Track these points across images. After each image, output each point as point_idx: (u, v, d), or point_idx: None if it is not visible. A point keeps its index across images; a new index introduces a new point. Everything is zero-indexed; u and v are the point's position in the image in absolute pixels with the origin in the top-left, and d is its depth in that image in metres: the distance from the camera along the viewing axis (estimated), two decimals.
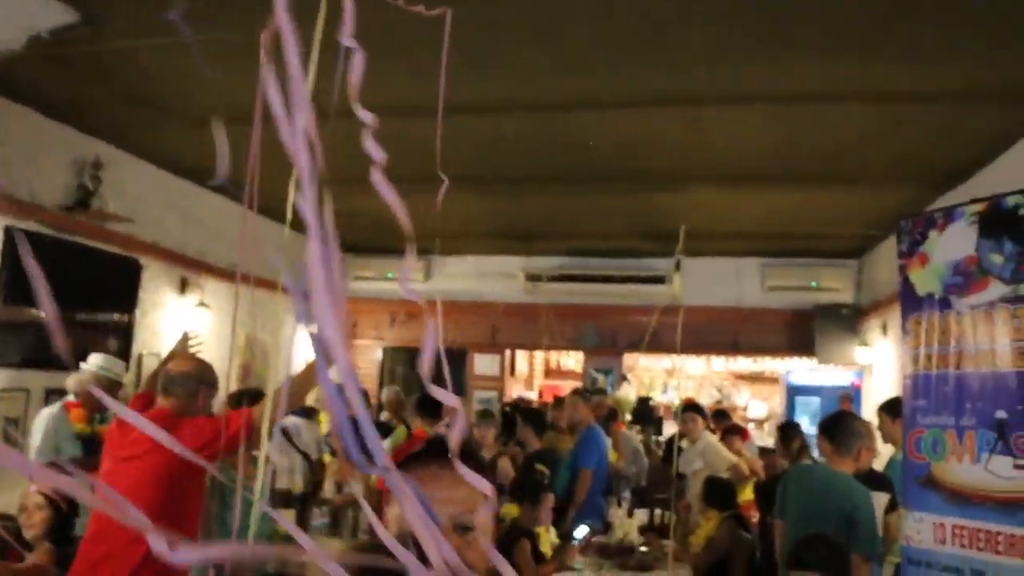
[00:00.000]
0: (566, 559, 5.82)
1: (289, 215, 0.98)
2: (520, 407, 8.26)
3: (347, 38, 0.87)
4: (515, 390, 12.64)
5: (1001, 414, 3.99)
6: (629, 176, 7.38)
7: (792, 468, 5.88)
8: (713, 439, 7.95)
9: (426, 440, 7.02)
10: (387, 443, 7.55)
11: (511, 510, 6.07)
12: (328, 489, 6.99)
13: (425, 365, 0.79)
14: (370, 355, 12.48)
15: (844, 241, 10.14)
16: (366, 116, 0.87)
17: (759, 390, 14.49)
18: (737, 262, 11.36)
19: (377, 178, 0.84)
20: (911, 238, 4.46)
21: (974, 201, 4.24)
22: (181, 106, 6.20)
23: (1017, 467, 3.89)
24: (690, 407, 8.28)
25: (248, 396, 5.37)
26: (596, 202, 8.59)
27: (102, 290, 7.51)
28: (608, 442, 8.63)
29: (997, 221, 4.07)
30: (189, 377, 4.00)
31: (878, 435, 5.60)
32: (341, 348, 0.70)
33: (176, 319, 8.50)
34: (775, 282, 11.14)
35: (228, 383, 9.61)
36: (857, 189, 7.49)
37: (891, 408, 5.60)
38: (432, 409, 7.38)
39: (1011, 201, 4.05)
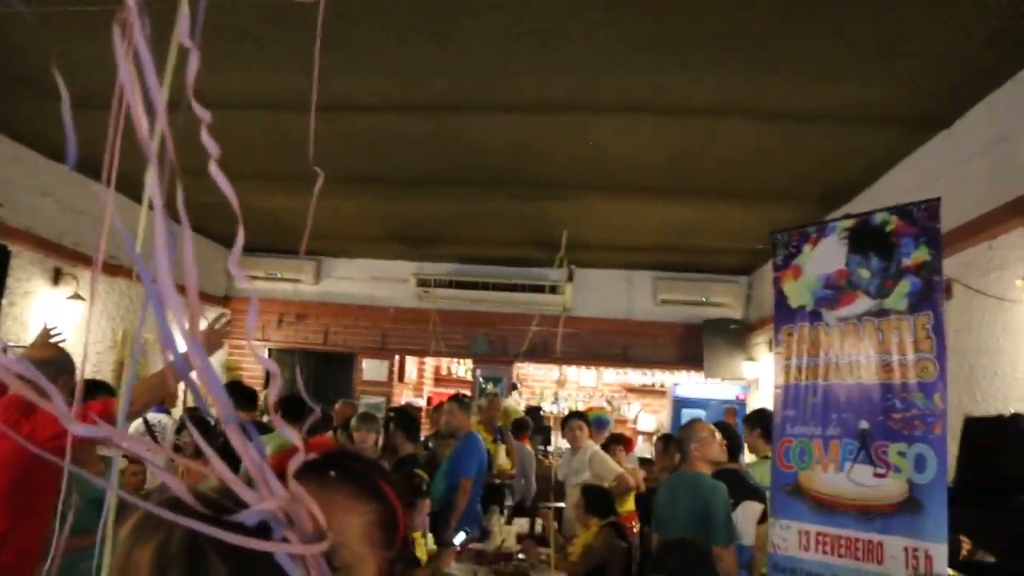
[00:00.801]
0: (441, 564, 5.77)
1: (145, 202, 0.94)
2: (395, 411, 8.12)
3: (186, 36, 0.83)
4: (404, 396, 12.51)
5: (864, 424, 4.09)
6: (520, 182, 7.37)
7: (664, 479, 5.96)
8: (598, 449, 7.97)
9: (322, 451, 6.87)
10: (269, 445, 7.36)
11: None
12: None
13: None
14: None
15: (735, 257, 10.30)
16: (203, 112, 0.83)
17: (650, 403, 14.65)
18: (630, 275, 11.47)
19: (215, 170, 0.82)
20: (786, 251, 4.55)
21: (846, 217, 4.35)
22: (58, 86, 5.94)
23: (876, 475, 3.99)
24: (575, 415, 8.29)
25: (102, 389, 5.18)
26: (487, 208, 8.56)
27: None
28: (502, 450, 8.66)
29: (866, 237, 4.18)
30: (46, 364, 3.87)
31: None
32: (193, 341, 0.72)
33: (47, 311, 8.17)
34: (667, 295, 11.24)
35: (109, 379, 9.33)
36: (748, 205, 7.61)
37: (751, 420, 5.81)
38: (295, 411, 7.27)
39: (879, 218, 4.16)
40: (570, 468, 7.89)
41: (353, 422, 7.41)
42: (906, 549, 3.84)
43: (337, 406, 9.03)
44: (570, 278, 11.36)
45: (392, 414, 7.84)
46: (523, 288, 10.96)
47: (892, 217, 4.08)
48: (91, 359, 9.17)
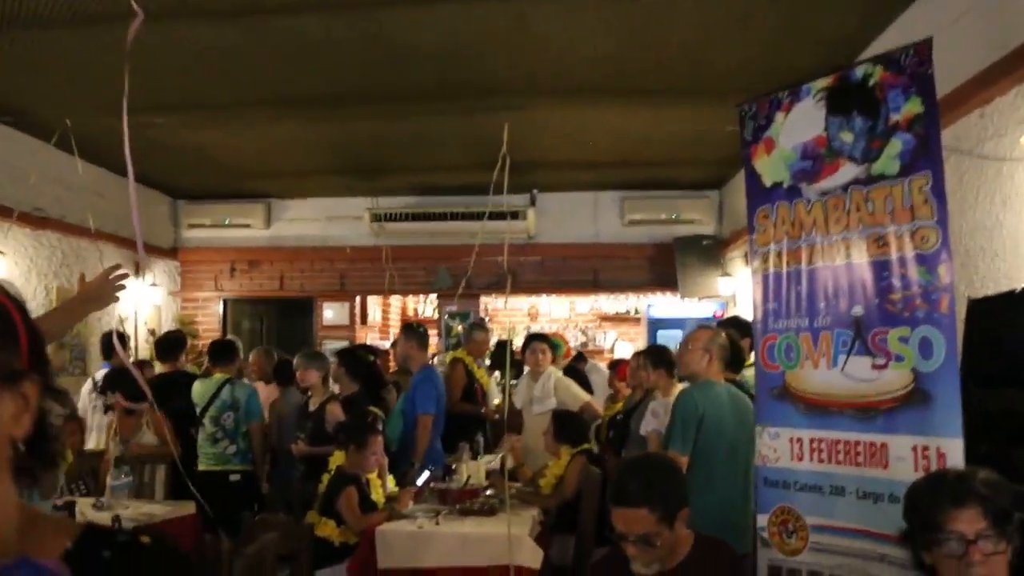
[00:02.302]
0: (397, 506, 5.26)
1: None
2: (338, 351, 7.59)
3: None
4: (369, 340, 11.93)
5: (858, 310, 3.57)
6: (456, 90, 6.74)
7: None
8: (561, 374, 7.46)
9: None
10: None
11: (338, 457, 5.48)
12: (112, 448, 6.23)
13: None
14: (211, 308, 11.61)
15: (703, 169, 9.81)
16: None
17: (626, 331, 14.16)
18: (595, 196, 10.96)
19: None
20: (755, 123, 3.99)
21: (821, 77, 3.77)
22: None
23: (876, 367, 3.47)
24: (537, 337, 7.76)
25: None
26: (430, 126, 7.94)
27: None
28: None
29: (846, 95, 3.62)
30: None
31: None
32: None
33: None
34: (634, 215, 10.78)
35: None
36: (713, 102, 6.98)
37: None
38: (225, 355, 7.17)
39: (860, 71, 3.60)
40: (530, 394, 7.38)
41: (297, 359, 6.99)
42: (914, 448, 3.33)
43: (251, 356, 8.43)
44: (532, 203, 10.81)
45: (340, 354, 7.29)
46: (483, 216, 10.34)
47: (876, 68, 3.51)
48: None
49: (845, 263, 3.61)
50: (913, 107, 3.38)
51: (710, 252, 10.45)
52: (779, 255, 3.87)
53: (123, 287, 3.35)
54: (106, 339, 8.49)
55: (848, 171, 3.59)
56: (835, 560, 3.67)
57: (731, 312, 10.01)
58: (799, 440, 3.81)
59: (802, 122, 3.76)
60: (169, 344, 7.74)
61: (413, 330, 7.24)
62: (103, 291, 3.31)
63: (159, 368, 7.64)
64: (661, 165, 9.61)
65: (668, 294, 11.28)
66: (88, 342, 9.60)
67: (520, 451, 6.83)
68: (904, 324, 3.39)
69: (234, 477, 6.84)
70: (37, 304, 8.77)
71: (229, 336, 9.34)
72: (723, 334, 4.84)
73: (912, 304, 3.35)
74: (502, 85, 6.68)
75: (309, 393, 6.85)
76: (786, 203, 3.84)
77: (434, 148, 8.86)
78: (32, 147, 8.05)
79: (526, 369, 7.70)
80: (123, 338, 8.58)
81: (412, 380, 6.92)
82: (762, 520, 4.01)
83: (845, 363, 3.61)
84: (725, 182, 10.36)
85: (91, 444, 7.09)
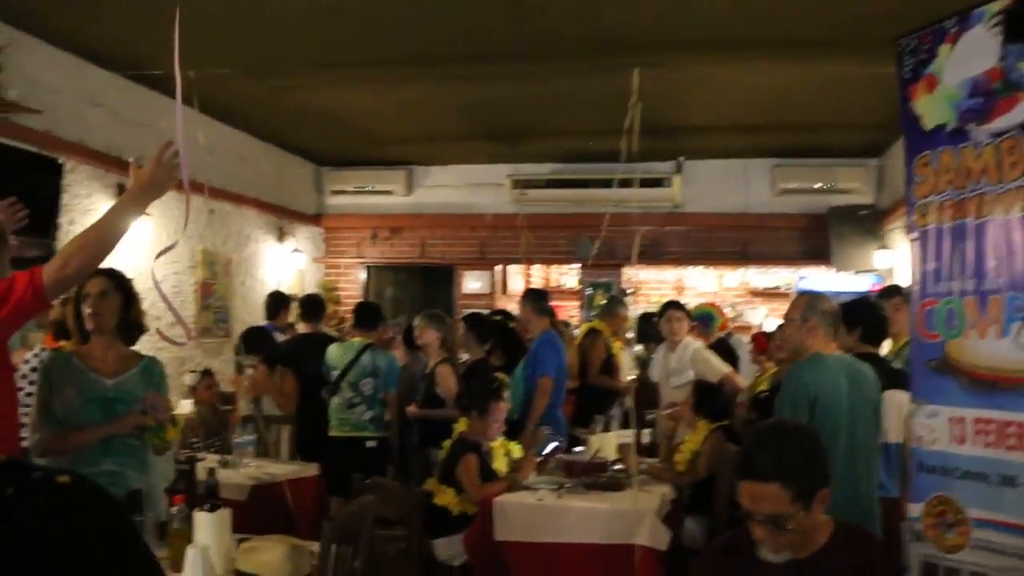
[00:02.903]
0: (519, 476, 5.00)
1: None
2: (466, 316, 7.41)
3: None
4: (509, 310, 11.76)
5: None
6: (590, 45, 6.40)
7: None
8: (701, 345, 7.05)
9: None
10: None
11: (461, 423, 5.27)
12: (242, 407, 6.23)
13: None
14: (353, 275, 11.67)
15: (862, 134, 9.21)
16: None
17: (776, 307, 13.52)
18: (745, 164, 10.50)
19: None
20: (914, 59, 3.51)
21: None
22: None
23: None
24: (672, 305, 7.35)
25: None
26: (567, 88, 7.67)
27: (13, 191, 6.58)
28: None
29: None
30: None
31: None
32: None
33: None
34: (787, 184, 10.31)
35: (190, 300, 8.90)
36: (866, 54, 6.44)
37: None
38: (371, 320, 7.09)
39: None
40: (667, 367, 7.02)
41: (417, 318, 6.91)
42: None
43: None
44: (679, 170, 10.38)
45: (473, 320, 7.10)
46: (628, 184, 9.96)
47: None
48: (169, 280, 8.70)
49: (1021, 215, 3.11)
50: None
51: (867, 223, 9.90)
52: (941, 208, 3.39)
53: (179, 165, 3.18)
54: (270, 300, 8.58)
55: None
56: (1003, 562, 3.17)
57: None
58: (960, 420, 3.34)
59: (971, 53, 3.26)
60: (314, 305, 7.77)
61: (533, 295, 6.97)
62: (158, 175, 3.12)
63: (302, 329, 7.63)
64: (816, 130, 9.08)
65: (821, 267, 10.67)
66: (231, 304, 9.74)
67: (675, 426, 6.42)
68: None
69: (370, 444, 6.75)
70: (183, 266, 8.92)
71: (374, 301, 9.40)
72: (826, 298, 4.27)
73: None
74: (639, 39, 6.31)
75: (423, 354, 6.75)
76: (950, 148, 3.35)
77: (574, 112, 8.58)
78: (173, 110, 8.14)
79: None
80: (286, 300, 8.66)
81: (533, 345, 6.69)
82: (915, 510, 3.55)
83: (1019, 332, 3.12)
84: (885, 149, 9.73)
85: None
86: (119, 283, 3.73)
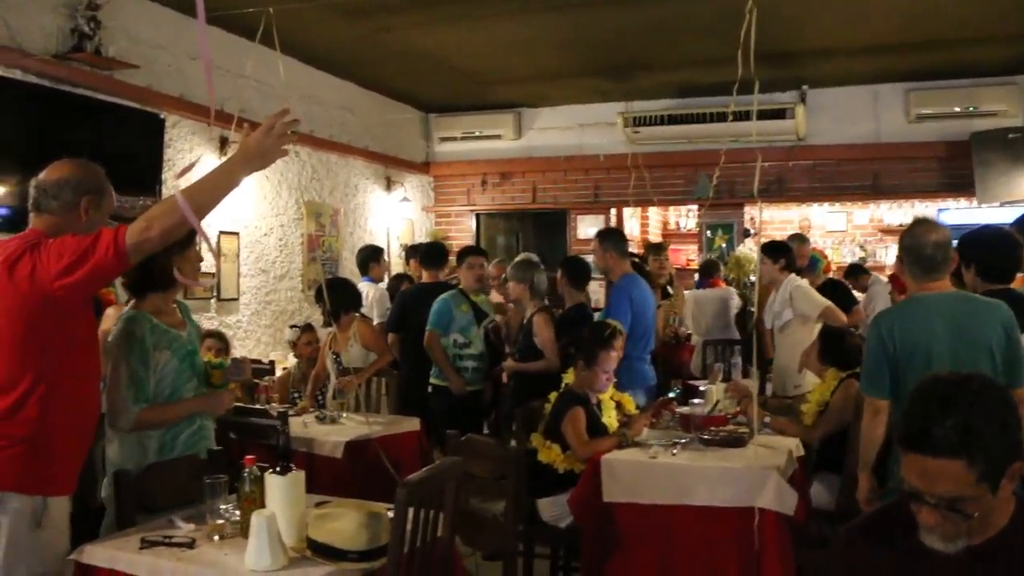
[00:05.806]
0: (630, 432, 4.62)
1: None
2: (564, 260, 7.03)
3: None
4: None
5: None
6: None
7: None
8: (801, 282, 6.63)
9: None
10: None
11: (569, 375, 4.92)
12: (329, 363, 6.08)
13: None
14: (464, 223, 11.43)
15: (1009, 47, 8.33)
16: None
17: None
18: (875, 89, 9.77)
19: None
20: None
21: None
22: None
23: None
24: (773, 246, 6.91)
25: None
26: (677, 12, 7.19)
27: (117, 148, 6.45)
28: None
29: None
30: (64, 185, 3.07)
31: None
32: None
33: None
34: (922, 109, 9.51)
35: (297, 253, 8.78)
36: None
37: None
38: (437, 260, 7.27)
39: None
40: (771, 311, 6.69)
41: (509, 270, 6.65)
42: None
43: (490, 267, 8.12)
44: (803, 100, 9.75)
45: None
46: (746, 116, 9.37)
47: None
48: (275, 232, 8.60)
49: None
50: None
51: (1016, 148, 8.97)
52: None
53: (292, 139, 2.90)
54: (360, 255, 8.44)
55: None
56: None
57: None
58: None
59: None
60: (437, 254, 7.51)
61: (610, 235, 6.51)
62: (266, 145, 2.85)
63: (426, 278, 7.40)
64: (954, 47, 8.29)
65: (962, 200, 9.96)
66: (340, 256, 9.61)
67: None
68: None
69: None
70: (288, 218, 8.80)
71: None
72: (911, 232, 3.68)
73: None
74: None
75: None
76: None
77: (687, 41, 8.10)
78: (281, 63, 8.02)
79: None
80: (377, 253, 8.49)
81: (611, 289, 6.35)
82: None
83: None
84: None
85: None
86: None
